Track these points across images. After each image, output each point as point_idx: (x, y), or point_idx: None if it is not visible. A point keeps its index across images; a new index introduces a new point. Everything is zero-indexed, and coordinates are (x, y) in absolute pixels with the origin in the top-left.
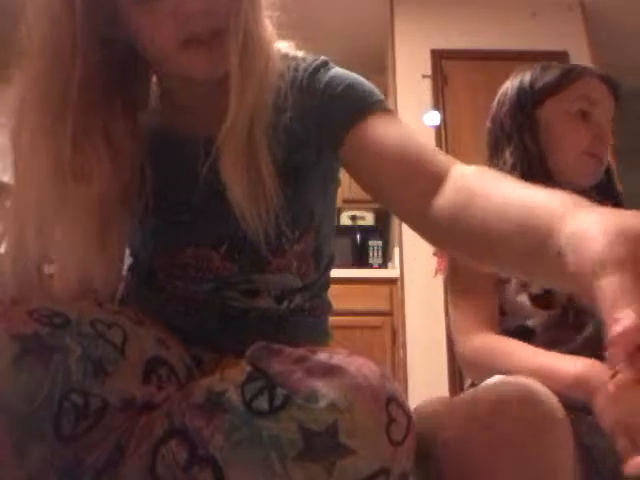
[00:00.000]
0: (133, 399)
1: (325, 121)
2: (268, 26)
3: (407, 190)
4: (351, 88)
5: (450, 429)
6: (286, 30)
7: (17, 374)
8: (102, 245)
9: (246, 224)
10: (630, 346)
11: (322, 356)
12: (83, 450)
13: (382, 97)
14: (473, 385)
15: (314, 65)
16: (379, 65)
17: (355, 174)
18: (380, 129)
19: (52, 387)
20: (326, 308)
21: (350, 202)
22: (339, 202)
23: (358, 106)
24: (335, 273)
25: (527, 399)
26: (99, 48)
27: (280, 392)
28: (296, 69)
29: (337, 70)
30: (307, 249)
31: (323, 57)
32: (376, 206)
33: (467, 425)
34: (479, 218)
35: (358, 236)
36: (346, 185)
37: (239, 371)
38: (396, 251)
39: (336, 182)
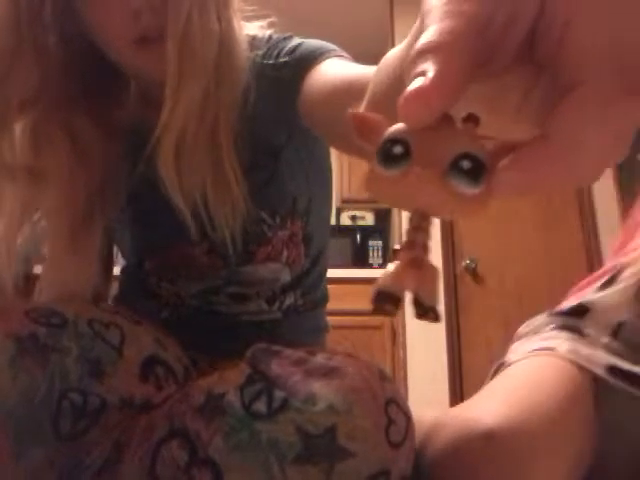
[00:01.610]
0: (132, 398)
1: (282, 91)
2: (232, 20)
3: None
4: (297, 49)
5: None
6: (286, 31)
7: (14, 375)
8: (74, 246)
9: (210, 226)
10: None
11: (321, 357)
12: (82, 449)
13: (333, 48)
14: (496, 372)
15: (274, 48)
16: None
17: (317, 127)
18: (327, 71)
19: (50, 387)
20: (320, 301)
21: (350, 202)
22: (339, 202)
23: (304, 62)
24: (335, 273)
25: (478, 443)
26: (59, 46)
27: (278, 395)
28: (261, 57)
29: (290, 42)
30: (296, 235)
31: (287, 35)
32: (376, 206)
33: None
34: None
35: (358, 236)
36: (346, 185)
37: (238, 373)
38: None
39: (322, 169)
